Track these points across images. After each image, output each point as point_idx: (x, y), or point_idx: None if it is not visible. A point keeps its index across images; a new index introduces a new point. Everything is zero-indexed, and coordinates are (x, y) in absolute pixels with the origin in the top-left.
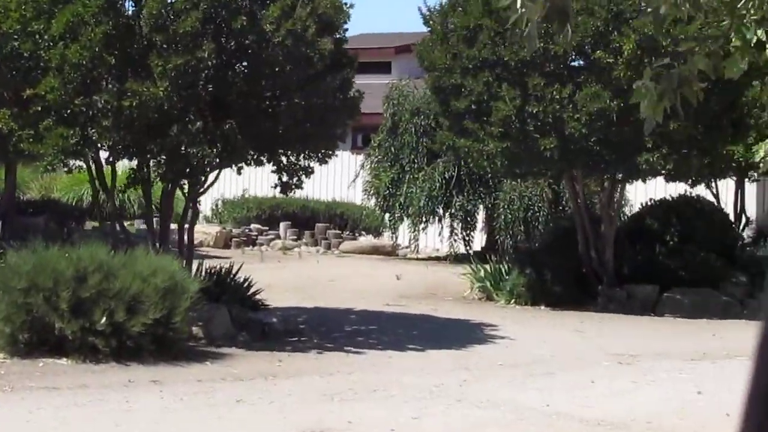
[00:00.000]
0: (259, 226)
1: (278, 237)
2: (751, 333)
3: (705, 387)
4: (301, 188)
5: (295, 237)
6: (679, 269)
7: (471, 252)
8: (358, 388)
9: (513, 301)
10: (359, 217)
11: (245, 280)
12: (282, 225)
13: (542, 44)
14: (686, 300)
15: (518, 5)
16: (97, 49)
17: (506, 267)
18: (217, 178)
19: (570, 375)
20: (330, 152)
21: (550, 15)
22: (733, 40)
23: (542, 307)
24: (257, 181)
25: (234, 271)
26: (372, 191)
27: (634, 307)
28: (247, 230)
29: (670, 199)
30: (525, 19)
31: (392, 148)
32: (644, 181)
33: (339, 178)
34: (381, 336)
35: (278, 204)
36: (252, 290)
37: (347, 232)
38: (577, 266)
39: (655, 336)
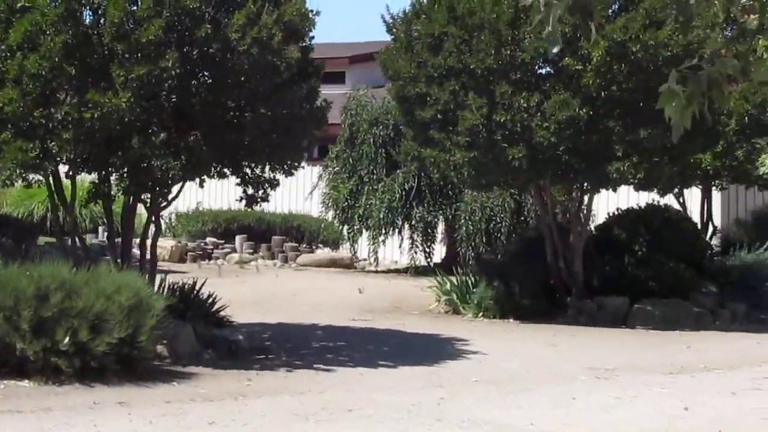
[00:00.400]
0: (214, 239)
1: (234, 250)
2: (724, 345)
3: (690, 402)
4: (267, 201)
5: (252, 250)
6: (649, 280)
7: (431, 264)
8: (332, 407)
9: (481, 314)
10: (317, 229)
11: (209, 296)
12: (238, 238)
13: (509, 51)
14: (657, 311)
15: (541, 4)
16: (56, 60)
17: (473, 279)
18: (180, 191)
19: (549, 391)
20: (296, 164)
21: (572, 12)
22: (761, 40)
23: (511, 320)
24: (212, 193)
25: (198, 287)
26: (330, 203)
27: (604, 319)
28: (202, 244)
29: (638, 208)
30: (550, 17)
31: (350, 159)
32: (614, 190)
33: (295, 190)
34: (350, 352)
35: (234, 217)
36: (216, 306)
37: (304, 245)
38: (545, 278)
39: (629, 349)
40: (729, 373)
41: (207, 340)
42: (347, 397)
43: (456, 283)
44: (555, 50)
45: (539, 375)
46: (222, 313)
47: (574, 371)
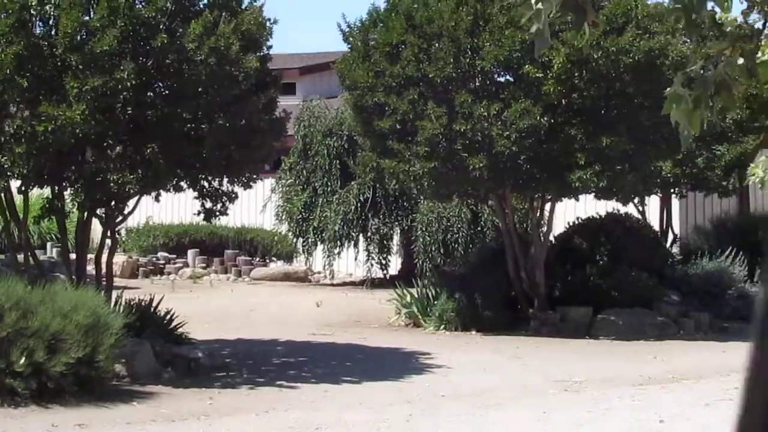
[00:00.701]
0: (166, 254)
1: (186, 265)
2: (690, 354)
3: (664, 415)
4: (226, 215)
5: (205, 265)
6: (612, 290)
7: (387, 276)
8: (299, 426)
9: (442, 326)
10: (270, 242)
11: (167, 312)
12: (190, 252)
13: (468, 59)
14: (621, 321)
15: (533, 1)
16: (8, 71)
17: (433, 291)
18: (136, 205)
19: (519, 405)
20: (254, 176)
21: (564, 10)
22: (764, 42)
23: (473, 333)
24: (163, 207)
25: (155, 304)
26: (284, 216)
27: (567, 329)
28: (154, 259)
29: (598, 217)
30: (541, 15)
31: (304, 171)
32: (577, 198)
33: (247, 202)
34: (313, 368)
35: (185, 231)
36: (174, 323)
37: (258, 259)
38: (507, 289)
39: (595, 360)
40: (699, 384)
41: (166, 359)
42: (314, 415)
43: (416, 296)
44: (543, 49)
45: (507, 388)
46: (180, 330)
47: (542, 384)
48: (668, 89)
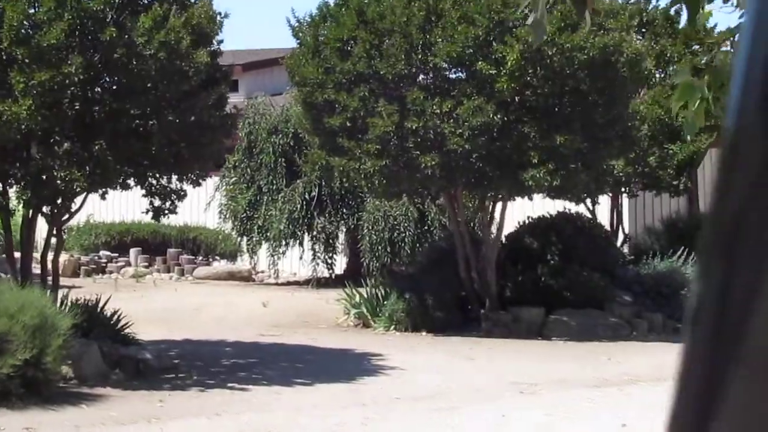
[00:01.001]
0: (108, 252)
1: (129, 264)
2: (645, 356)
3: (626, 418)
4: (176, 213)
5: (147, 263)
6: (563, 290)
7: (333, 276)
8: (252, 429)
9: (392, 327)
10: (213, 241)
11: (114, 312)
12: (132, 251)
13: (420, 56)
14: (573, 322)
15: None
16: None
17: (383, 291)
18: (83, 203)
19: (476, 408)
20: (204, 174)
21: None
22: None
23: (424, 333)
24: (105, 205)
25: (102, 304)
26: (228, 214)
27: (519, 330)
28: (95, 257)
29: (549, 216)
30: (539, 4)
31: (249, 169)
32: (530, 198)
33: (190, 201)
34: (264, 370)
35: (128, 229)
36: (121, 324)
37: (201, 258)
38: (458, 289)
39: (549, 361)
40: (657, 386)
41: (114, 360)
42: (267, 418)
43: (366, 296)
44: (542, 39)
45: (462, 391)
46: (127, 331)
47: (497, 386)
48: (678, 80)
